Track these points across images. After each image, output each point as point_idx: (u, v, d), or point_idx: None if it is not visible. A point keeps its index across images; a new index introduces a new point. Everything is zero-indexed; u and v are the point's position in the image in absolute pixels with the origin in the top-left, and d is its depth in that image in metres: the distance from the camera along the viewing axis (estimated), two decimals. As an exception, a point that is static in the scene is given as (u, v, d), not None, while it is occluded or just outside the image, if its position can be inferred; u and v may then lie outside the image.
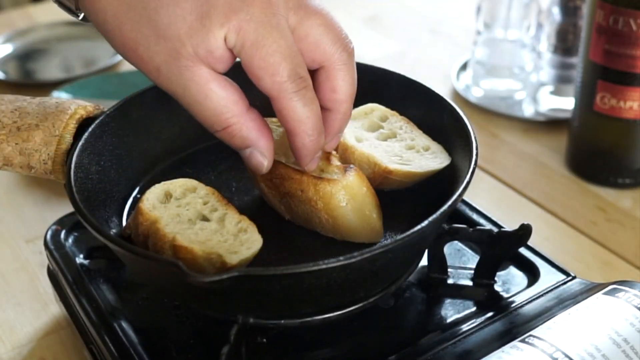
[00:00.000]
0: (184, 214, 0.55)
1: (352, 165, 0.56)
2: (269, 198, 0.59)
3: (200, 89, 0.47)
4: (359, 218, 0.55)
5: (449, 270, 0.60)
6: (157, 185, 0.57)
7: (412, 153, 0.61)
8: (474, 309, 0.57)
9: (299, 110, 0.48)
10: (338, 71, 0.50)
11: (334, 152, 0.57)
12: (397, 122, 0.63)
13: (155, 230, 0.53)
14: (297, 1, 0.48)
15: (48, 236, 0.66)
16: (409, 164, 0.59)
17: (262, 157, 0.51)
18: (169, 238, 0.52)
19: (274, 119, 0.61)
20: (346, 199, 0.54)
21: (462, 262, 0.62)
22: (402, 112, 0.64)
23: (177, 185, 0.57)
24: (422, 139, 0.62)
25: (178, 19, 0.46)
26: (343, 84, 0.50)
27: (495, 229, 0.58)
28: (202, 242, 0.52)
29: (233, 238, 0.53)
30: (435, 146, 0.61)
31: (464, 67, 1.06)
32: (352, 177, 0.55)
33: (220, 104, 0.48)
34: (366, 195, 0.55)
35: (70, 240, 0.66)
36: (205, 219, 0.55)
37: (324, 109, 0.51)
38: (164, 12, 0.47)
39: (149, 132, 0.65)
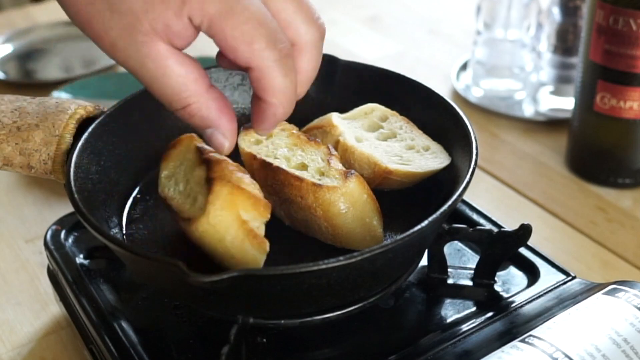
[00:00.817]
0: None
1: (352, 171, 0.55)
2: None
3: (157, 65, 0.44)
4: (359, 226, 0.54)
5: (449, 270, 0.60)
6: None
7: (412, 153, 0.61)
8: (474, 309, 0.57)
9: (279, 81, 0.45)
10: (305, 53, 0.47)
11: (335, 154, 0.57)
12: (397, 122, 0.63)
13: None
14: None
15: (48, 236, 0.66)
16: (409, 164, 0.59)
17: (223, 138, 0.48)
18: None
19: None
20: (346, 206, 0.54)
21: (462, 262, 0.62)
22: (402, 112, 0.64)
23: None
24: (422, 139, 0.62)
25: None
26: (307, 66, 0.48)
27: (495, 229, 0.58)
28: None
29: None
30: (435, 146, 0.61)
31: (464, 67, 1.06)
32: (352, 184, 0.54)
33: (179, 81, 0.45)
34: (366, 202, 0.55)
35: (70, 240, 0.66)
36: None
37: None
38: None
39: (149, 132, 0.65)
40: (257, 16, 0.43)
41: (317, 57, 0.48)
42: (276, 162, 0.56)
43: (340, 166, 0.56)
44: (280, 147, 0.58)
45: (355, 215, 0.54)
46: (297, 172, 0.55)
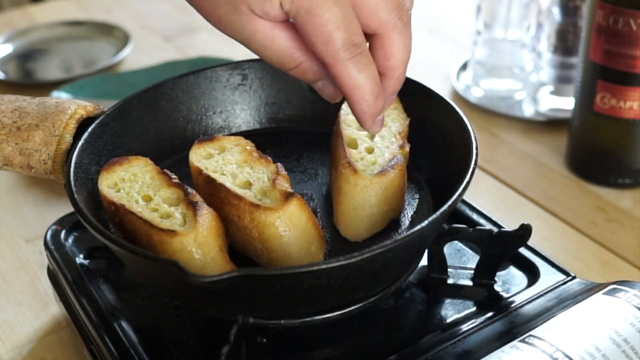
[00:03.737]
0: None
1: (294, 193, 0.53)
2: None
3: (265, 36, 0.49)
4: (295, 251, 0.52)
5: (449, 270, 0.60)
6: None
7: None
8: (474, 309, 0.57)
9: (355, 77, 0.48)
10: (392, 40, 0.50)
11: (283, 173, 0.55)
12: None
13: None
14: None
15: (48, 236, 0.66)
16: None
17: (334, 87, 0.51)
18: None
19: (232, 137, 0.60)
20: (282, 229, 0.51)
21: (462, 262, 0.62)
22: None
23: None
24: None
25: None
26: (397, 52, 0.50)
27: (495, 229, 0.58)
28: None
29: None
30: None
31: (464, 67, 1.06)
32: (291, 207, 0.52)
33: (288, 45, 0.49)
34: (305, 227, 0.52)
35: (70, 240, 0.66)
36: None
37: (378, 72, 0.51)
38: None
39: (149, 132, 0.65)
40: (338, 18, 0.47)
41: (406, 41, 0.50)
42: (221, 179, 0.55)
43: (285, 187, 0.54)
44: (230, 163, 0.57)
45: (292, 240, 0.52)
46: (239, 191, 0.54)
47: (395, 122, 0.61)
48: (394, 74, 0.51)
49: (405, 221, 0.59)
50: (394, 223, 0.58)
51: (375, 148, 0.59)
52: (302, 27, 0.47)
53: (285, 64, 0.50)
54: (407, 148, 0.59)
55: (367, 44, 0.49)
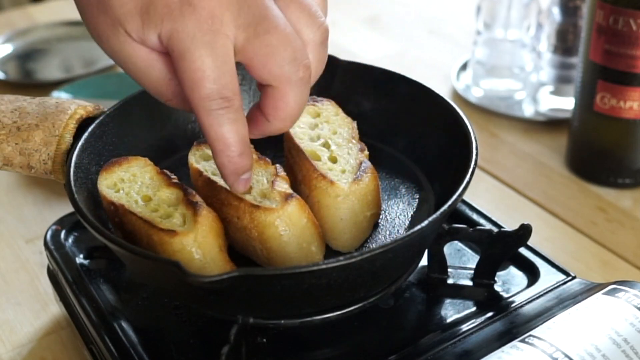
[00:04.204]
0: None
1: (294, 194, 0.53)
2: None
3: (142, 62, 0.47)
4: (294, 251, 0.52)
5: (449, 270, 0.60)
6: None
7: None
8: (474, 309, 0.57)
9: (216, 129, 0.46)
10: (283, 94, 0.47)
11: (282, 174, 0.55)
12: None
13: None
14: (251, 18, 0.46)
15: (48, 236, 0.66)
16: None
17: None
18: None
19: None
20: (282, 229, 0.52)
21: (462, 262, 0.62)
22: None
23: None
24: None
25: (117, 1, 0.46)
26: (285, 106, 0.48)
27: (495, 229, 0.58)
28: None
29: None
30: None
31: (464, 67, 1.06)
32: (290, 207, 0.52)
33: (165, 75, 0.48)
34: (305, 228, 0.53)
35: (70, 240, 0.66)
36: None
37: (263, 115, 0.49)
38: None
39: (149, 132, 0.65)
40: (209, 69, 0.45)
41: (321, 58, 0.49)
42: (221, 181, 0.55)
43: (284, 188, 0.54)
44: None
45: (292, 240, 0.52)
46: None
47: (342, 127, 0.60)
48: (276, 125, 0.49)
49: (405, 221, 0.59)
50: (394, 223, 0.58)
51: (337, 157, 0.58)
52: (175, 66, 0.46)
53: (161, 93, 0.49)
54: (367, 151, 0.59)
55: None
